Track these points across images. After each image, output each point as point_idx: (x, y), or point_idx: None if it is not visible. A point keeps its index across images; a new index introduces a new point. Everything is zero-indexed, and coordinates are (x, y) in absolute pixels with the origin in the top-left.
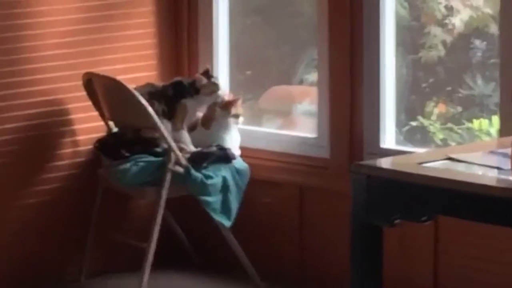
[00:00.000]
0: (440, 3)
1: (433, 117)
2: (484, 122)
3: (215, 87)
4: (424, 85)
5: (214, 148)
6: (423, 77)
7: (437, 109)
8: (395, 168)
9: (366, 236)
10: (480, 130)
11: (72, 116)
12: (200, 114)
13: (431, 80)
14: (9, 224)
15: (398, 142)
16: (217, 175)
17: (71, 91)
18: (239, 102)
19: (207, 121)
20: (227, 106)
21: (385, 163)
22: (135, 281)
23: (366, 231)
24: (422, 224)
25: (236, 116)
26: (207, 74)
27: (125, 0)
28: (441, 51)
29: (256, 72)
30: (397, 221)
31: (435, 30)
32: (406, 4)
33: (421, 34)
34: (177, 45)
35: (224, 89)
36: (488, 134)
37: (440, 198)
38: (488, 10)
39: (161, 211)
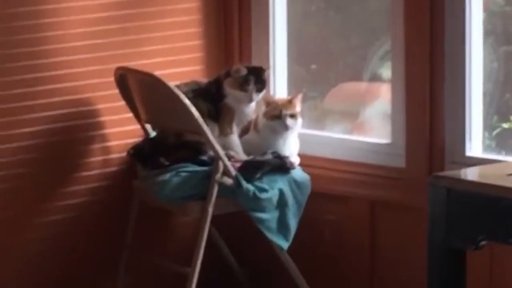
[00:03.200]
0: None
1: None
2: None
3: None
4: None
5: (269, 156)
6: None
7: None
8: (481, 180)
9: (446, 260)
10: None
11: (103, 118)
12: (254, 115)
13: None
14: (30, 245)
15: (487, 149)
16: (273, 187)
17: (101, 89)
18: (298, 98)
19: (257, 124)
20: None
21: (469, 174)
22: None
23: (447, 254)
24: None
25: (292, 116)
26: (258, 71)
27: None
28: None
29: (320, 67)
30: (483, 243)
31: None
32: None
33: None
34: (226, 34)
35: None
36: None
37: None
38: None
39: (206, 230)
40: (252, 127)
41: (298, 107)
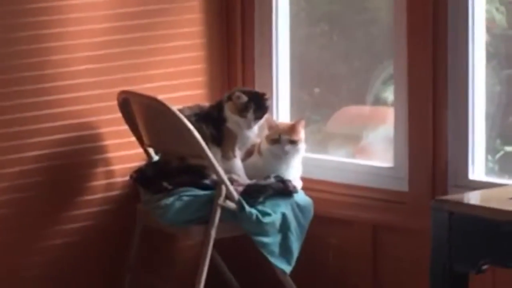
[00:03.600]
0: None
1: None
2: None
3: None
4: None
5: (272, 180)
6: None
7: None
8: (483, 204)
9: (448, 284)
10: None
11: (106, 142)
12: (257, 139)
13: None
14: (31, 269)
15: (490, 172)
16: (276, 211)
17: (104, 113)
18: (300, 124)
19: (260, 147)
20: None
21: (472, 198)
22: None
23: (449, 278)
24: None
25: (292, 141)
26: (259, 98)
27: (169, 6)
28: None
29: (323, 91)
30: (485, 267)
31: None
32: (502, 9)
33: None
34: (229, 58)
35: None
36: None
37: None
38: None
39: (209, 254)
40: (256, 151)
41: (300, 133)
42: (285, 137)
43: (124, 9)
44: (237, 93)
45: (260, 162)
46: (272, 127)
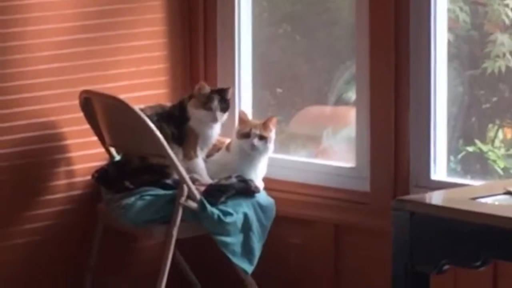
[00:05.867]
0: (507, 5)
1: (496, 143)
2: None
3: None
4: (485, 105)
5: (233, 180)
6: (484, 95)
7: (501, 133)
8: (444, 204)
9: (410, 284)
10: None
11: (67, 142)
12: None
13: (494, 99)
14: None
15: (452, 172)
16: (237, 211)
17: (65, 112)
18: (272, 122)
19: (230, 144)
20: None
21: (433, 198)
22: None
23: (410, 278)
24: (477, 271)
25: (262, 137)
26: (221, 90)
27: (131, 6)
28: (510, 61)
29: (285, 91)
30: (446, 267)
31: (502, 38)
32: (466, 8)
33: (484, 43)
34: (192, 58)
35: (243, 109)
36: None
37: (497, 239)
38: None
39: (170, 253)
40: (225, 147)
41: (270, 131)
42: (255, 132)
43: (85, 8)
44: (199, 84)
45: (227, 158)
46: (244, 121)
